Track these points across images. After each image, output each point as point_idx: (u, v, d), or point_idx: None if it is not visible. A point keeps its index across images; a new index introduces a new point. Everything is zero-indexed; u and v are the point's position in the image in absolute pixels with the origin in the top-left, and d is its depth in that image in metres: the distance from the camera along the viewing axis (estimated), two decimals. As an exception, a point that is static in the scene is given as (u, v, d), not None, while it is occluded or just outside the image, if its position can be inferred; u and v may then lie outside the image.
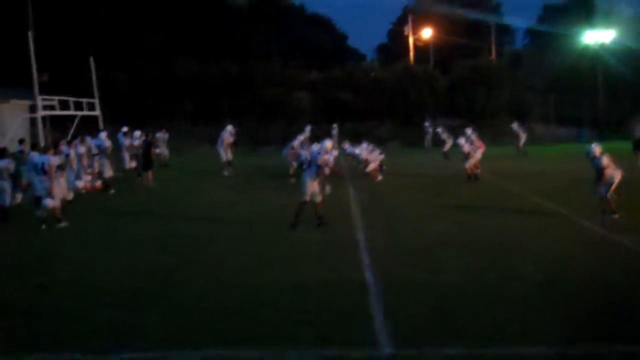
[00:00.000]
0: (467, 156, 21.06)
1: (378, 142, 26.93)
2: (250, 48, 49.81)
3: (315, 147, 14.92)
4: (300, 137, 23.09)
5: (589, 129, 42.36)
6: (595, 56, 46.74)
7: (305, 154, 17.94)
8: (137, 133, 24.31)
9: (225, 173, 24.14)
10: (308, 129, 27.24)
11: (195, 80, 45.02)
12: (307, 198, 12.84)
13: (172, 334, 6.82)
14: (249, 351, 6.26)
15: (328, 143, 13.32)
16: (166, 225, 13.83)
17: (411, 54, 53.64)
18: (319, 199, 12.90)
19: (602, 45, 46.33)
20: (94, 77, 32.75)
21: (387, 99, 45.19)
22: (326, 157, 13.23)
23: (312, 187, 12.85)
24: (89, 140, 20.34)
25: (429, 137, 37.59)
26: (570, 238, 11.49)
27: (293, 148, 22.14)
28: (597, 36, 46.42)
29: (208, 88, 44.91)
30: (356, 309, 7.52)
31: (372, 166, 21.90)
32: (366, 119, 43.06)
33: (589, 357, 6.02)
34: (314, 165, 12.88)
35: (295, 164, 21.44)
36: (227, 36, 50.95)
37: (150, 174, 21.36)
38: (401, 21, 61.82)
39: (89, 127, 28.86)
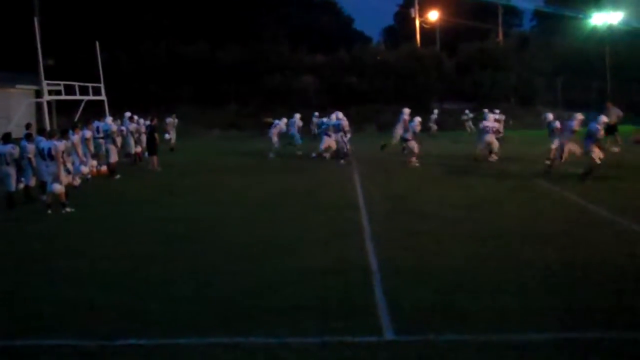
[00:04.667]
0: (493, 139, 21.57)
1: (384, 126, 26.75)
2: (256, 32, 49.57)
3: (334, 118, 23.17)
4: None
5: (597, 112, 42.08)
6: (603, 38, 46.33)
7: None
8: (138, 118, 24.37)
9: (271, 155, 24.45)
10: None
11: (201, 64, 44.91)
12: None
13: (176, 320, 6.84)
14: (253, 338, 6.28)
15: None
16: (172, 210, 13.86)
17: (418, 36, 53.30)
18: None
19: (610, 27, 45.89)
20: (99, 62, 32.70)
21: (393, 82, 44.99)
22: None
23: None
24: (95, 124, 20.39)
25: (470, 124, 36.87)
26: (576, 222, 11.47)
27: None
28: (605, 18, 45.98)
29: (213, 72, 44.80)
30: (359, 294, 7.54)
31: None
32: (372, 102, 42.90)
33: (590, 343, 6.01)
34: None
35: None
36: (233, 20, 50.76)
37: (155, 158, 21.38)
38: (408, 3, 61.38)
39: (94, 111, 28.86)
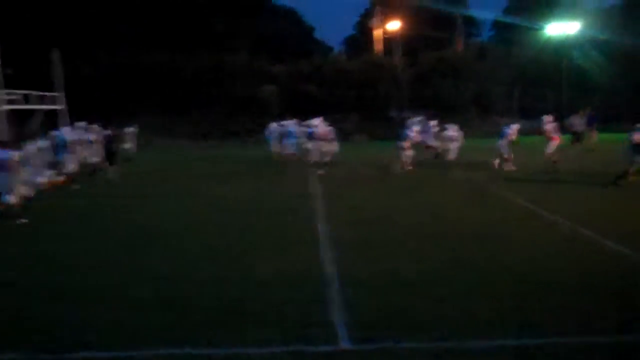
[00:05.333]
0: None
1: (344, 135, 27.03)
2: (218, 40, 49.41)
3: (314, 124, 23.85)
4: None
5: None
6: (559, 48, 47.26)
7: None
8: (98, 127, 24.09)
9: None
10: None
11: (162, 72, 44.59)
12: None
13: (130, 332, 6.75)
14: (210, 349, 6.24)
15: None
16: (129, 219, 13.72)
17: (378, 46, 53.72)
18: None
19: (567, 37, 46.83)
20: (58, 70, 32.25)
21: (354, 91, 45.25)
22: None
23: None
24: (53, 134, 20.10)
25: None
26: (539, 231, 11.64)
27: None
28: (562, 28, 46.90)
29: (175, 81, 44.53)
30: (316, 304, 7.54)
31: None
32: (332, 112, 43.02)
33: (552, 348, 6.09)
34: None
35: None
36: (194, 28, 50.48)
37: (114, 168, 21.14)
38: (368, 13, 61.83)
39: (53, 121, 28.47)
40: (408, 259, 9.54)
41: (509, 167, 21.55)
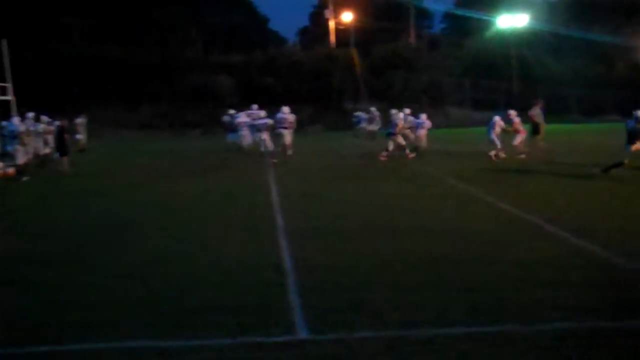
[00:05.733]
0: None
1: (298, 126, 27.26)
2: (169, 31, 48.86)
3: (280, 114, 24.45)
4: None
5: (503, 111, 43.70)
6: (508, 40, 48.06)
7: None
8: (47, 119, 23.73)
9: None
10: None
11: (113, 64, 43.94)
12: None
13: (88, 325, 6.73)
14: (166, 340, 6.27)
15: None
16: (83, 212, 13.58)
17: (332, 37, 53.84)
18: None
19: (515, 30, 47.62)
20: (6, 61, 31.53)
21: (309, 82, 45.33)
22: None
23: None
24: (2, 124, 19.73)
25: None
26: (487, 218, 11.93)
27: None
28: (511, 20, 47.69)
29: (126, 72, 43.92)
30: (273, 294, 7.61)
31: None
32: (287, 103, 43.01)
33: (501, 335, 6.27)
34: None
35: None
36: (144, 19, 49.83)
37: (65, 159, 20.85)
38: (322, 4, 61.90)
39: (2, 112, 27.83)
40: (363, 250, 9.69)
41: (501, 156, 22.19)
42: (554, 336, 6.17)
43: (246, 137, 25.44)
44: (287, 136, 24.34)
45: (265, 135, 23.56)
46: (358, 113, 36.09)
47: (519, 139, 22.52)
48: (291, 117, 24.57)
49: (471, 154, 24.11)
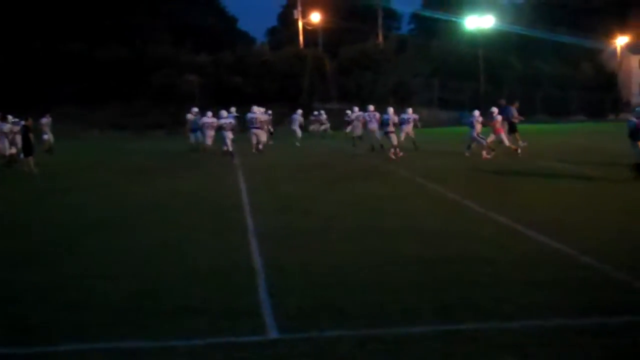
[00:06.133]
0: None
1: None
2: (136, 29, 48.42)
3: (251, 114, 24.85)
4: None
5: (469, 111, 44.22)
6: (475, 41, 48.57)
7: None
8: (12, 118, 23.38)
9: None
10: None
11: (79, 62, 43.42)
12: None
13: (57, 327, 6.65)
14: (136, 342, 6.23)
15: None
16: (50, 213, 13.41)
17: (301, 38, 53.84)
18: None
19: (482, 31, 48.16)
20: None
21: (278, 83, 45.30)
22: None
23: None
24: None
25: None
26: (454, 217, 12.04)
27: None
28: (477, 22, 48.23)
29: (93, 71, 43.44)
30: (243, 294, 7.60)
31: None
32: (256, 103, 42.96)
33: (470, 333, 6.34)
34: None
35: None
36: (111, 17, 49.29)
37: (31, 159, 20.58)
38: (291, 4, 61.85)
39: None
40: (333, 249, 9.72)
41: (485, 155, 22.34)
42: (521, 334, 6.26)
43: (209, 137, 25.04)
44: (261, 136, 24.35)
45: (229, 135, 23.37)
46: (316, 112, 37.36)
47: (492, 138, 22.81)
48: (263, 117, 24.56)
49: (441, 153, 24.32)
